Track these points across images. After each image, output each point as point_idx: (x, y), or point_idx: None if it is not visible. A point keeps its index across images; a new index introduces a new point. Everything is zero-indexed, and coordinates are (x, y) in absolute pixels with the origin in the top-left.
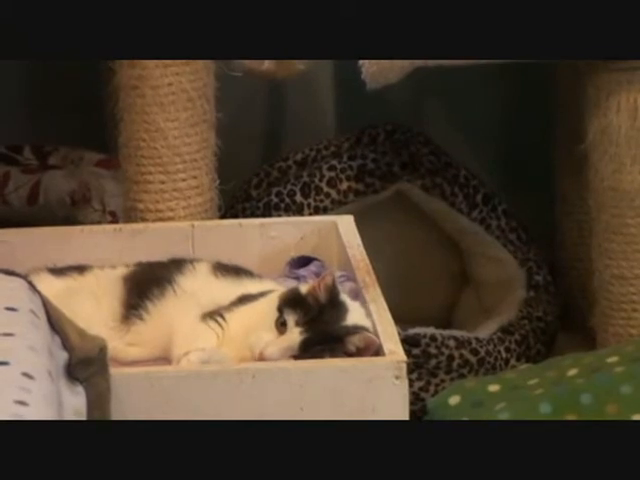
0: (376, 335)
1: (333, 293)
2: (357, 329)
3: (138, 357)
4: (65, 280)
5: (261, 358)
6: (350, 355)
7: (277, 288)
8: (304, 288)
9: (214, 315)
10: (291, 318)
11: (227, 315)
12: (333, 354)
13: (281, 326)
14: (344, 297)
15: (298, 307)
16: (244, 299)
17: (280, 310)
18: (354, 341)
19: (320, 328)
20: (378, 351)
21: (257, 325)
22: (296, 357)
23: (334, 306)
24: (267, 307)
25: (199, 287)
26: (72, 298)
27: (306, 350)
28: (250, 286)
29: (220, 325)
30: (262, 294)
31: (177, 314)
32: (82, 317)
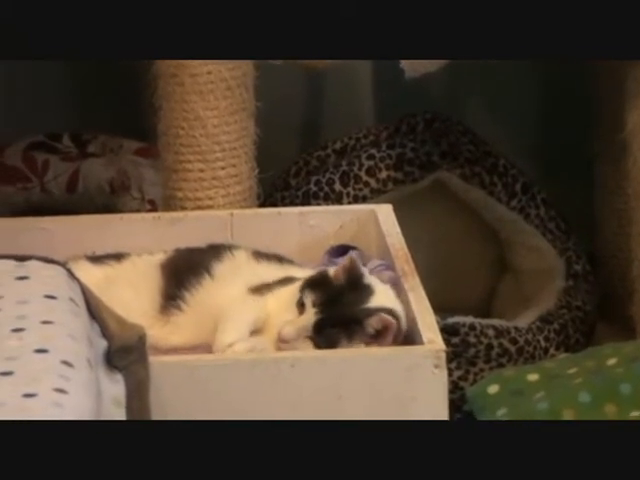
0: (412, 321)
1: (353, 275)
2: (377, 311)
3: (179, 344)
4: (103, 268)
5: (279, 338)
6: (371, 338)
7: None
8: (331, 271)
9: (261, 289)
10: (309, 299)
11: (268, 294)
12: (350, 337)
13: (300, 307)
14: (371, 280)
15: (318, 288)
16: (286, 281)
17: (301, 291)
18: (372, 323)
19: (336, 310)
20: (399, 334)
21: (287, 307)
22: (311, 338)
23: (356, 288)
24: (296, 290)
25: (240, 269)
26: (111, 287)
27: (320, 331)
28: (292, 271)
29: (264, 301)
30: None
31: (220, 294)
32: (121, 306)
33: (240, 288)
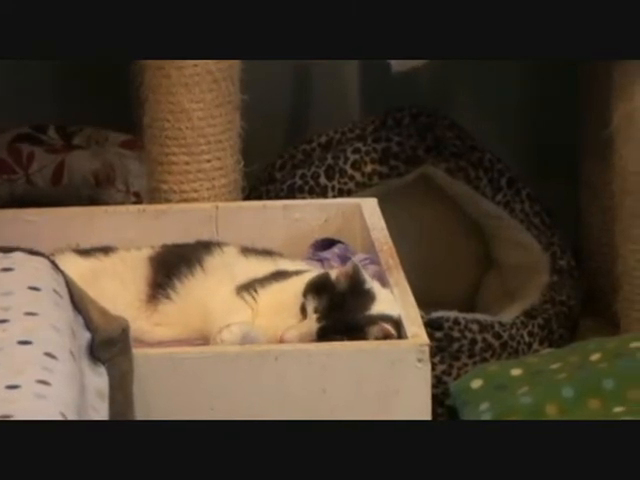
0: (401, 320)
1: (355, 282)
2: (379, 319)
3: (164, 337)
4: (91, 261)
5: (281, 341)
6: None
7: (310, 269)
8: (334, 274)
9: (249, 288)
10: (311, 305)
11: (260, 290)
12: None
13: (303, 311)
14: (373, 285)
15: (320, 294)
16: (278, 275)
17: (304, 295)
18: (373, 332)
19: (339, 317)
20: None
21: (286, 305)
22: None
23: (358, 295)
24: (297, 289)
25: (230, 265)
26: (98, 279)
27: (323, 337)
28: (283, 264)
29: (254, 299)
30: (297, 273)
31: (210, 289)
32: (108, 298)
33: (229, 287)
